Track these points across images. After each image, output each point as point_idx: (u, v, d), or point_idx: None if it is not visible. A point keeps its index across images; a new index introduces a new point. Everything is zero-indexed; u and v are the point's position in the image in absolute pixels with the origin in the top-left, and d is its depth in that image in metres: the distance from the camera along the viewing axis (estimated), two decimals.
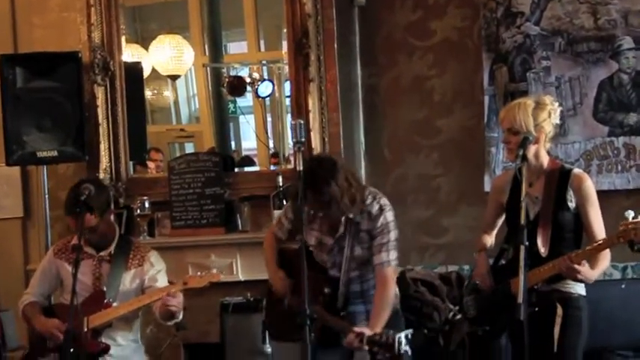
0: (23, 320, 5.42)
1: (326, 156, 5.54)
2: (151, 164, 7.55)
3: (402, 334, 4.36)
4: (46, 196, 6.75)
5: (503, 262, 4.95)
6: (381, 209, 4.92)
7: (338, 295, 4.92)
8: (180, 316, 5.35)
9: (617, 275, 6.05)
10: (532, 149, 4.70)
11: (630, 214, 4.34)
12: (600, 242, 4.53)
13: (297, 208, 4.77)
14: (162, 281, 5.41)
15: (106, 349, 5.23)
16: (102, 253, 5.39)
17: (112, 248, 5.40)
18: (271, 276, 5.16)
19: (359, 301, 4.92)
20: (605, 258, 4.64)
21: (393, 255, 4.89)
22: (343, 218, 4.92)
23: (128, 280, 5.37)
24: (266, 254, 5.29)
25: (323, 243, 5.03)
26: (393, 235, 4.92)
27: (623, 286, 5.91)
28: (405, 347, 4.34)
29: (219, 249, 6.60)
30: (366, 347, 4.50)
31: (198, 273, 5.33)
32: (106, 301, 5.25)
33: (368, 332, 4.52)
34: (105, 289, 5.29)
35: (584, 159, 6.32)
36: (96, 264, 5.37)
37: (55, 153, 6.45)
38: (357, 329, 4.59)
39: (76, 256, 5.03)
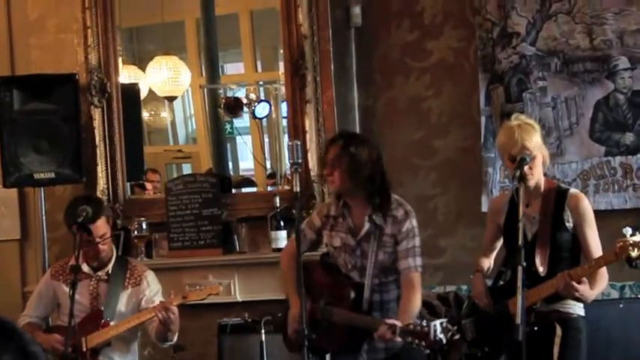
0: None
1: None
2: (148, 185, 7.56)
3: (437, 322, 4.39)
4: (44, 217, 6.74)
5: (501, 282, 4.97)
6: (407, 214, 4.94)
7: (363, 300, 4.92)
8: (175, 338, 5.35)
9: (615, 295, 6.04)
10: (542, 168, 4.74)
11: (628, 230, 4.36)
12: (599, 258, 4.54)
13: (297, 231, 4.79)
14: (158, 299, 5.41)
15: None
16: (99, 273, 5.41)
17: (109, 268, 5.42)
18: (292, 309, 5.09)
19: (377, 314, 4.88)
20: (603, 278, 4.66)
21: (419, 261, 4.90)
22: (367, 218, 4.93)
23: (125, 300, 5.38)
24: (284, 277, 5.30)
25: (346, 244, 5.03)
26: (418, 241, 4.94)
27: (621, 305, 5.91)
28: (440, 335, 4.35)
29: (216, 270, 6.60)
30: (399, 339, 4.51)
31: (197, 287, 5.34)
32: (103, 320, 5.26)
33: (400, 323, 4.52)
34: (102, 308, 5.29)
35: (580, 179, 6.33)
36: (93, 284, 5.38)
37: (53, 175, 6.45)
38: (389, 321, 4.59)
39: (73, 276, 5.06)
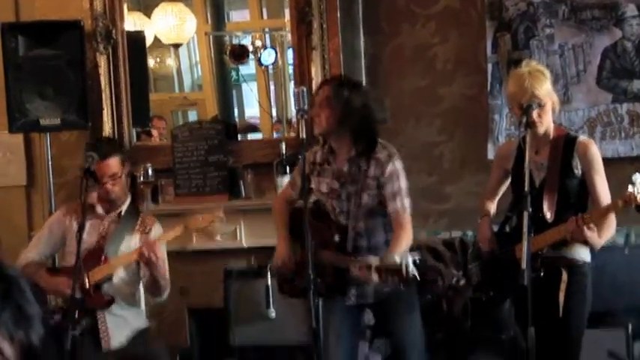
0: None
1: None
2: (154, 132, 7.55)
3: (410, 259, 4.40)
4: (50, 163, 6.75)
5: (507, 229, 4.98)
6: (390, 156, 4.95)
7: (347, 243, 4.94)
8: (165, 293, 5.35)
9: (620, 241, 6.05)
10: (551, 115, 4.73)
11: (638, 177, 4.36)
12: (608, 205, 4.55)
13: (303, 175, 4.80)
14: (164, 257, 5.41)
15: (110, 302, 5.25)
16: (111, 214, 5.43)
17: (122, 210, 5.43)
18: (278, 246, 5.19)
19: (366, 254, 4.88)
20: (611, 225, 4.67)
21: (406, 202, 4.91)
22: (348, 161, 4.94)
23: (132, 243, 5.38)
24: (276, 220, 5.34)
25: (333, 189, 5.05)
26: (403, 183, 4.94)
27: (626, 251, 5.93)
28: (413, 271, 4.36)
29: (206, 214, 6.60)
30: (375, 277, 4.51)
31: (196, 215, 5.33)
32: (104, 256, 5.28)
33: (375, 262, 4.53)
34: (106, 246, 5.31)
35: (587, 126, 6.32)
36: (104, 224, 5.40)
37: (58, 121, 6.44)
38: (365, 259, 4.61)
39: (82, 218, 5.06)
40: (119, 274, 5.34)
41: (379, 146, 4.99)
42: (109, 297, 5.25)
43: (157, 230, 5.48)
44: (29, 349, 2.26)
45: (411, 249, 4.81)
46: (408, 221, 4.89)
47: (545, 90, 4.69)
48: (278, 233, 5.23)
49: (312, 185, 5.18)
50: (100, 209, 5.42)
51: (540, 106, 4.64)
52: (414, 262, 4.40)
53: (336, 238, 4.96)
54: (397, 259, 4.44)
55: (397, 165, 4.94)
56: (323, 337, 5.19)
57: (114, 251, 5.33)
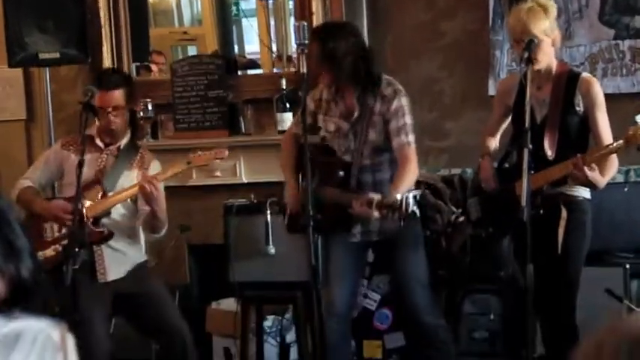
0: (20, 206, 5.34)
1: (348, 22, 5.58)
2: (153, 67, 7.52)
3: (410, 194, 4.42)
4: (49, 98, 6.75)
5: (507, 165, 4.97)
6: (396, 92, 4.95)
7: (350, 179, 4.94)
8: (163, 229, 5.35)
9: (620, 178, 6.02)
10: (551, 52, 4.70)
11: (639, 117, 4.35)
12: (610, 146, 4.53)
13: (303, 107, 4.79)
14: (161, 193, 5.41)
15: (109, 236, 5.26)
16: (110, 148, 5.42)
17: (121, 144, 5.43)
18: (287, 190, 5.20)
19: (371, 191, 4.84)
20: (613, 165, 4.66)
21: (411, 137, 4.92)
22: (356, 100, 4.93)
23: (130, 178, 5.38)
24: (282, 162, 5.35)
25: (340, 128, 5.06)
26: (408, 118, 4.94)
27: (625, 189, 5.92)
28: (414, 207, 4.38)
29: (210, 151, 6.59)
30: (376, 213, 4.51)
31: (199, 152, 5.33)
32: (102, 191, 5.28)
33: (377, 197, 4.53)
34: (104, 180, 5.31)
35: (589, 62, 6.28)
36: (103, 157, 5.39)
37: (58, 55, 6.41)
38: (365, 196, 4.60)
39: (82, 149, 5.05)
40: (118, 209, 5.34)
41: (384, 82, 4.99)
42: (108, 231, 5.25)
43: (155, 167, 5.48)
44: (19, 283, 2.27)
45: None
46: (413, 156, 4.89)
47: (541, 27, 4.64)
48: (286, 177, 5.24)
49: (319, 124, 5.18)
50: (99, 142, 5.40)
51: (533, 42, 4.61)
52: (415, 198, 4.42)
53: (340, 174, 4.97)
54: (398, 195, 4.44)
55: (403, 101, 4.95)
56: (325, 275, 5.23)
57: (112, 185, 5.32)
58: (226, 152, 5.37)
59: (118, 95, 5.30)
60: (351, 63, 4.89)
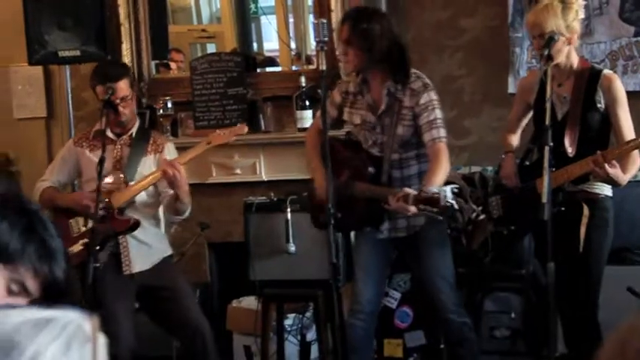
0: (42, 205, 5.33)
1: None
2: (172, 65, 7.52)
3: (448, 188, 4.38)
4: (69, 96, 6.77)
5: (528, 162, 4.96)
6: (425, 86, 4.92)
7: (382, 174, 4.93)
8: (187, 211, 5.34)
9: None
10: (565, 50, 4.68)
11: None
12: (631, 143, 4.52)
13: (323, 108, 4.77)
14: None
15: (136, 224, 5.27)
16: (123, 137, 5.45)
17: (132, 132, 5.46)
18: (317, 180, 5.13)
19: (399, 187, 4.81)
20: (636, 162, 4.64)
21: (442, 132, 4.87)
22: (385, 92, 4.92)
23: (148, 165, 5.41)
24: (309, 155, 5.30)
25: (367, 121, 5.04)
26: (439, 112, 4.89)
27: None
28: (452, 200, 4.36)
29: (242, 149, 6.60)
30: (413, 208, 4.48)
31: (217, 131, 5.33)
32: (124, 181, 5.30)
33: (413, 192, 4.50)
34: (124, 170, 5.34)
35: (609, 59, 6.26)
36: (118, 148, 5.42)
37: (78, 52, 6.42)
38: (402, 191, 4.56)
39: (102, 141, 5.09)
40: (141, 197, 5.36)
41: (413, 76, 4.96)
42: (135, 219, 5.27)
43: (170, 148, 5.53)
44: (53, 284, 2.27)
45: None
46: (444, 151, 4.84)
47: (553, 23, 4.62)
48: (314, 167, 5.18)
49: (345, 117, 5.17)
50: (110, 134, 5.43)
51: (553, 39, 4.59)
52: (453, 192, 4.39)
53: (370, 169, 4.93)
54: (435, 189, 4.43)
55: (432, 95, 4.91)
56: (353, 271, 5.23)
57: (132, 174, 5.36)
58: (245, 128, 5.40)
59: (123, 85, 5.35)
60: (386, 47, 4.86)
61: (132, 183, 5.31)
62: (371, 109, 5.01)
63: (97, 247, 5.02)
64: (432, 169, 4.80)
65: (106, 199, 5.18)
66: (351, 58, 4.89)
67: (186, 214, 5.39)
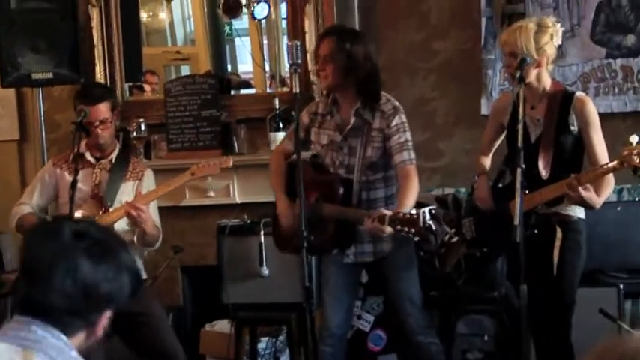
0: (19, 231, 5.32)
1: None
2: (147, 87, 7.51)
3: (426, 209, 4.38)
4: (42, 118, 6.74)
5: (501, 184, 4.97)
6: (395, 109, 4.93)
7: (352, 196, 4.92)
8: (156, 244, 5.35)
9: (612, 198, 6.02)
10: (533, 72, 4.69)
11: (634, 139, 4.33)
12: (604, 167, 4.52)
13: (296, 131, 4.77)
14: (153, 205, 5.41)
15: None
16: (102, 162, 5.41)
17: (112, 157, 5.42)
18: (279, 208, 5.15)
19: (366, 209, 4.85)
20: (609, 185, 4.65)
21: (413, 155, 4.89)
22: (353, 113, 4.92)
23: (127, 192, 5.37)
24: (272, 178, 5.29)
25: (334, 141, 5.04)
26: (409, 135, 4.92)
27: (618, 208, 5.93)
28: (430, 221, 4.35)
29: (213, 160, 6.58)
30: (389, 229, 4.48)
31: (202, 162, 5.32)
32: (104, 207, 5.26)
33: (389, 213, 4.51)
34: (103, 195, 5.30)
35: (581, 81, 6.30)
36: (96, 172, 5.38)
37: (51, 75, 6.40)
38: (377, 212, 4.57)
39: (75, 164, 5.06)
40: (120, 224, 5.32)
41: (383, 99, 4.98)
42: None
43: (149, 176, 5.49)
44: None
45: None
46: (415, 173, 4.86)
47: (523, 44, 4.64)
48: (277, 195, 5.19)
49: (312, 138, 5.17)
50: (90, 157, 5.39)
51: (525, 61, 4.61)
52: (430, 213, 4.39)
53: (341, 191, 4.94)
54: (413, 210, 4.42)
55: (403, 118, 4.93)
56: (321, 295, 5.22)
57: (111, 200, 5.31)
58: (230, 161, 5.38)
59: (103, 108, 5.29)
60: (367, 71, 4.89)
61: (112, 209, 5.27)
62: (339, 129, 5.02)
63: None
64: (403, 191, 4.81)
65: None
66: (328, 74, 4.90)
67: (156, 245, 5.38)
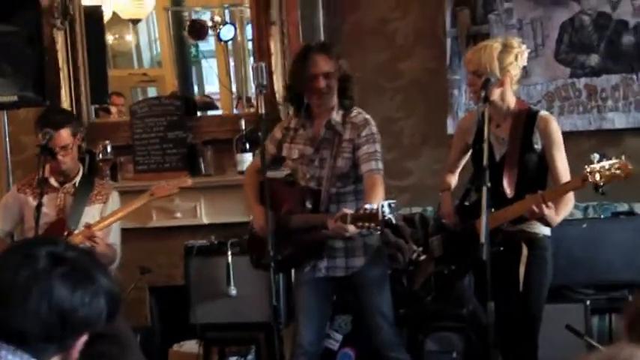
0: None
1: None
2: (113, 109, 7.51)
3: (385, 203, 4.39)
4: (7, 140, 6.72)
5: (467, 203, 4.99)
6: (367, 120, 5.00)
7: (319, 206, 4.93)
8: (113, 266, 5.32)
9: (578, 215, 6.08)
10: (497, 92, 4.72)
11: (595, 157, 4.37)
12: (567, 184, 4.56)
13: (262, 151, 4.78)
14: (116, 226, 5.40)
15: None
16: (66, 186, 5.40)
17: (76, 181, 5.41)
18: (254, 214, 5.16)
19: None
20: (569, 203, 4.69)
21: (381, 165, 4.93)
22: (324, 125, 4.94)
23: (91, 214, 5.37)
24: (246, 192, 5.31)
25: (305, 154, 5.06)
26: (379, 147, 4.96)
27: (584, 225, 5.96)
28: (389, 215, 4.35)
29: (182, 193, 6.46)
30: (352, 227, 4.51)
31: (163, 182, 5.30)
32: (67, 231, 5.24)
33: (350, 211, 4.54)
34: (68, 219, 5.27)
35: (546, 100, 6.35)
36: (60, 197, 5.37)
37: (16, 98, 6.37)
38: (339, 212, 4.61)
39: (40, 189, 5.03)
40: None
41: (355, 111, 5.02)
42: None
43: (114, 197, 5.50)
44: None
45: None
46: (381, 182, 4.89)
47: (486, 63, 4.68)
48: (251, 204, 5.22)
49: (284, 153, 5.18)
50: (54, 182, 5.39)
51: (490, 81, 4.64)
52: (390, 206, 4.39)
53: (308, 204, 4.95)
54: (373, 205, 4.44)
55: (373, 129, 4.98)
56: (294, 314, 5.21)
57: (75, 224, 5.29)
58: (190, 181, 5.39)
59: (64, 134, 5.30)
60: (352, 85, 4.94)
61: (75, 232, 5.25)
62: (310, 142, 5.04)
63: None
64: (369, 194, 4.83)
65: None
66: (332, 90, 4.97)
67: (114, 265, 5.35)
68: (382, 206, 4.36)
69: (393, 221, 4.43)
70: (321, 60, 4.97)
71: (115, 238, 5.39)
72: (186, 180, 5.38)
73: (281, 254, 4.66)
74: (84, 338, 2.38)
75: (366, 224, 4.44)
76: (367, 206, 4.47)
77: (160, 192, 5.29)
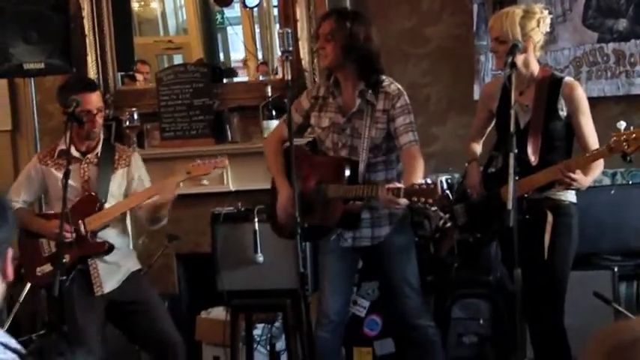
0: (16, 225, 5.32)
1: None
2: (138, 76, 7.50)
3: (443, 178, 4.37)
4: (35, 108, 6.75)
5: (492, 169, 4.97)
6: (400, 90, 4.97)
7: (358, 176, 4.90)
8: (165, 221, 5.37)
9: (606, 181, 6.06)
10: (520, 58, 4.69)
11: (622, 125, 4.35)
12: (594, 153, 4.54)
13: (289, 118, 4.76)
14: (147, 182, 5.45)
15: (111, 248, 5.25)
16: (89, 156, 5.37)
17: (98, 151, 5.38)
18: (278, 189, 5.13)
19: None
20: (598, 166, 4.67)
21: (417, 136, 4.92)
22: (358, 94, 4.92)
23: (117, 181, 5.37)
24: (270, 164, 5.26)
25: (336, 123, 5.03)
26: (412, 117, 4.95)
27: (612, 191, 5.93)
28: (447, 191, 4.34)
29: (208, 159, 6.57)
30: (404, 200, 4.49)
31: (198, 161, 5.31)
32: (99, 203, 5.26)
33: (402, 185, 4.52)
34: (95, 192, 5.28)
35: (573, 66, 6.30)
36: (84, 167, 5.34)
37: (42, 65, 6.41)
38: (391, 185, 4.57)
39: (66, 162, 5.04)
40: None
41: (387, 81, 4.99)
42: (109, 244, 5.23)
43: (136, 159, 5.50)
44: None
45: None
46: (419, 154, 4.89)
47: (508, 29, 4.65)
48: (277, 183, 5.15)
49: (312, 121, 5.16)
50: (75, 152, 5.32)
51: (517, 46, 4.62)
52: (447, 181, 4.38)
53: (347, 171, 4.91)
54: (429, 179, 4.42)
55: (407, 100, 4.96)
56: (318, 282, 5.23)
57: (104, 195, 5.29)
58: (226, 161, 5.38)
59: (98, 97, 5.34)
60: (361, 48, 4.89)
61: (107, 205, 5.27)
62: (341, 110, 5.01)
63: (64, 260, 5.00)
64: (411, 170, 4.81)
65: (81, 222, 5.16)
66: (328, 52, 4.90)
67: (164, 222, 5.40)
68: (441, 182, 4.34)
69: (451, 197, 4.41)
70: (325, 22, 4.96)
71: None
72: (223, 160, 5.34)
73: (314, 224, 4.64)
74: None
75: (422, 199, 4.42)
76: (423, 181, 4.44)
77: (198, 170, 5.27)
